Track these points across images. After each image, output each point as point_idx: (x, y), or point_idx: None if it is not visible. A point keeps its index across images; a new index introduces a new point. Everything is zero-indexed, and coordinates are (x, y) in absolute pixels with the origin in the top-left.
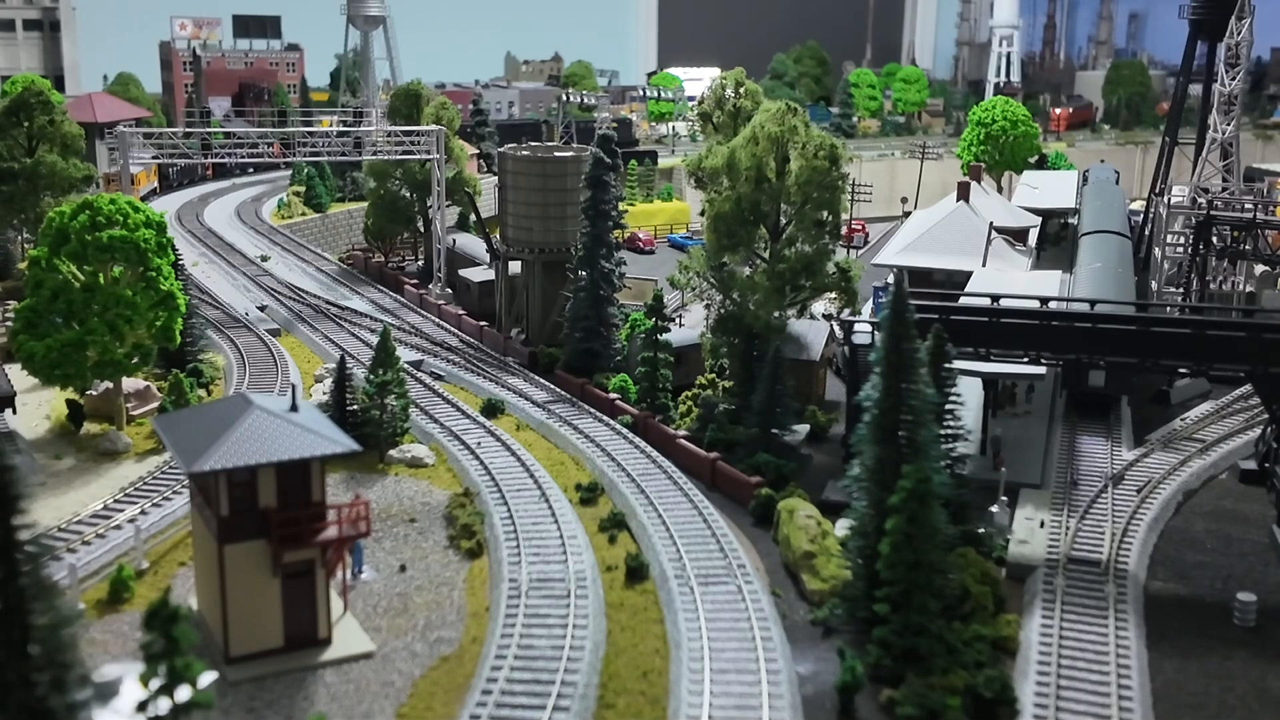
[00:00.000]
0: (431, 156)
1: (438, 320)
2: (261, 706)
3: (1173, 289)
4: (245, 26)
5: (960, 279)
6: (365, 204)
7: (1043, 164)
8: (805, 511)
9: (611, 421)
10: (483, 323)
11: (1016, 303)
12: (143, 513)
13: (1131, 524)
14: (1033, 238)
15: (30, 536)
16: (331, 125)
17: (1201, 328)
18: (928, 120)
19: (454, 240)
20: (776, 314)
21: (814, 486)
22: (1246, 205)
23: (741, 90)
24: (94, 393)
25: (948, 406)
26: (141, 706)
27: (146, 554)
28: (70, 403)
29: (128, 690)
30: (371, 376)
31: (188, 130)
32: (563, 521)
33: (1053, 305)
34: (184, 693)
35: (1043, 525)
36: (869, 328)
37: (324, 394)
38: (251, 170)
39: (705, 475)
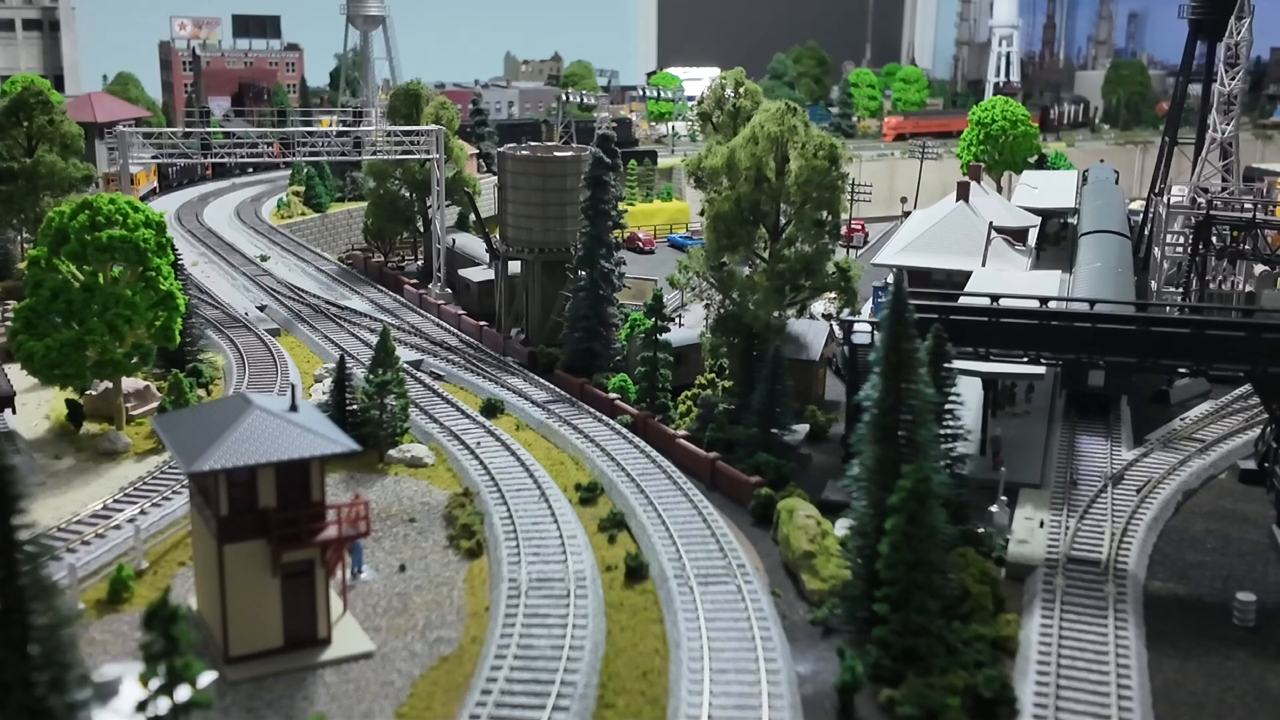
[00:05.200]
0: (431, 156)
1: (437, 320)
2: (261, 706)
3: (1172, 289)
4: (245, 26)
5: (960, 279)
6: (365, 204)
7: (1042, 164)
8: (805, 511)
9: (611, 421)
10: (482, 322)
11: (1016, 303)
12: (142, 513)
13: (1131, 524)
14: (1032, 238)
15: (30, 536)
16: (331, 125)
17: (1201, 328)
18: None
19: (454, 240)
20: (776, 314)
21: (814, 486)
22: (1246, 205)
23: (741, 90)
24: (93, 393)
25: (947, 406)
26: (141, 706)
27: (146, 554)
28: (70, 403)
29: (127, 690)
30: (371, 376)
31: (187, 130)
32: (562, 521)
33: (1052, 305)
34: (183, 693)
35: (1042, 525)
36: (869, 328)
37: (323, 394)
38: (251, 170)
39: (705, 475)
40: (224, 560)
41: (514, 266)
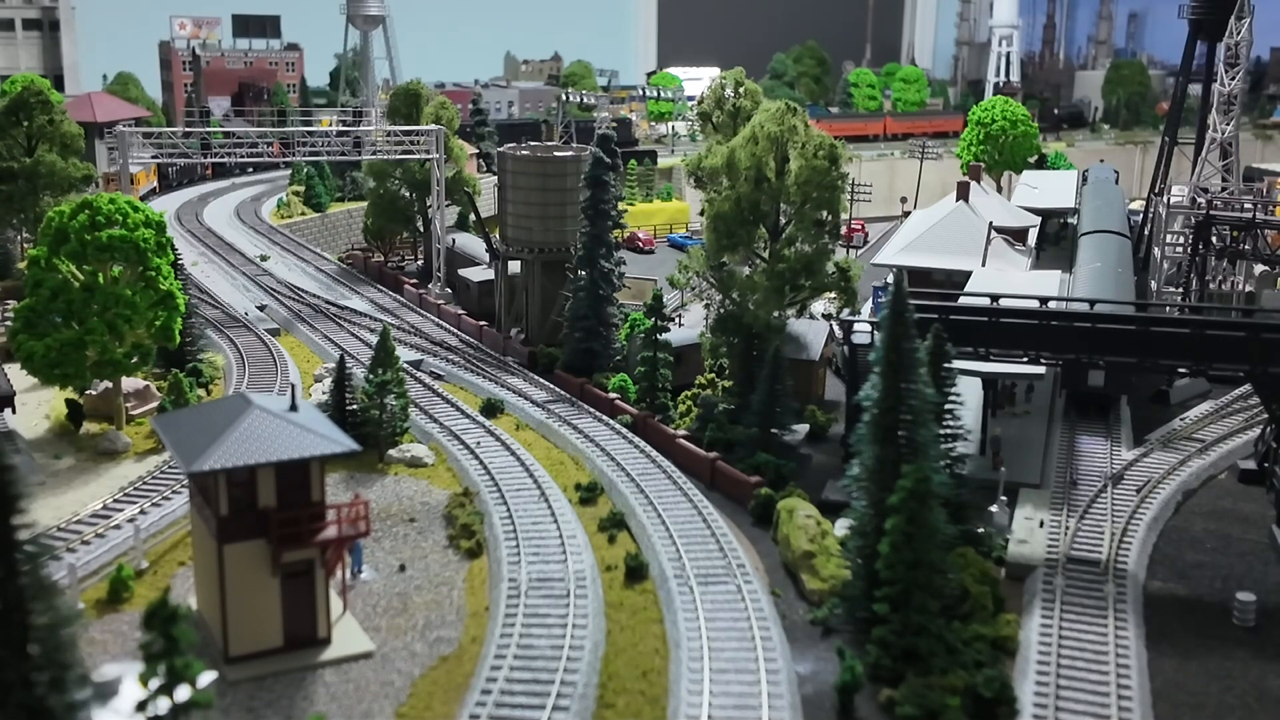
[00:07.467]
0: (431, 156)
1: (437, 320)
2: (261, 706)
3: (1172, 289)
4: (245, 26)
5: (960, 279)
6: (365, 204)
7: (1042, 164)
8: (805, 511)
9: (611, 421)
10: (482, 322)
11: (1016, 302)
12: (142, 512)
13: (1131, 524)
14: (1032, 238)
15: (30, 536)
16: (331, 125)
17: (1201, 328)
18: None
19: (454, 240)
20: (776, 314)
21: (814, 486)
22: (1246, 205)
23: (741, 90)
24: (93, 392)
25: (947, 406)
26: (141, 706)
27: (146, 554)
28: (70, 402)
29: (127, 690)
30: (371, 376)
31: (187, 130)
32: (562, 521)
33: (1052, 305)
34: (183, 692)
35: (1042, 525)
36: (869, 327)
37: (323, 394)
38: (251, 170)
39: (705, 475)
40: (224, 560)
41: (514, 266)
